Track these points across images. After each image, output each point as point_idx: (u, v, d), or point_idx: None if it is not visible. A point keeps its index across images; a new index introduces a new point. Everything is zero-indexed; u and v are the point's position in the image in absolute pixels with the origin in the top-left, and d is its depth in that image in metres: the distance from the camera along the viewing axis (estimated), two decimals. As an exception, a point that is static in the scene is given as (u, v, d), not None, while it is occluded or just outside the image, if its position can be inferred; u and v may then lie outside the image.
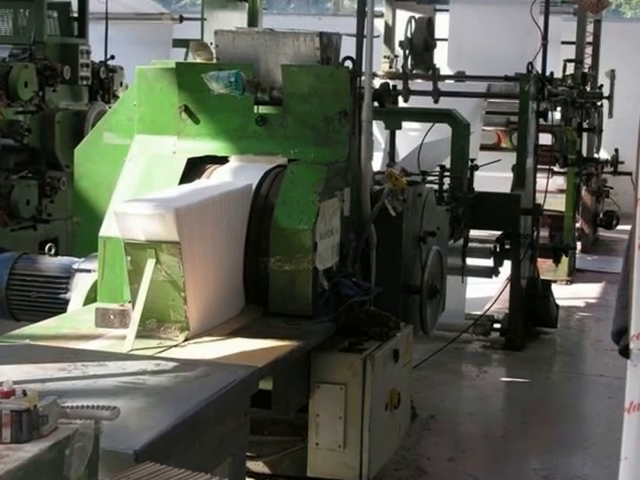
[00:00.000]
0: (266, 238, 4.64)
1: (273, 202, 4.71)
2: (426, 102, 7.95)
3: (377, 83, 6.46)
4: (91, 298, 4.71)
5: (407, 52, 9.45)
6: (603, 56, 13.23)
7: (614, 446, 2.60)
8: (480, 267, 7.66)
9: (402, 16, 10.70)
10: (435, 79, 8.23)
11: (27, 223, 7.67)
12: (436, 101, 8.03)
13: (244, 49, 5.17)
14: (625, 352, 2.50)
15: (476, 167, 7.05)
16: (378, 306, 4.92)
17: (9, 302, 5.02)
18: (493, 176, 7.73)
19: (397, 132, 7.48)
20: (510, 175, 7.89)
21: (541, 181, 8.41)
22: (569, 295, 9.64)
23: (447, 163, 6.74)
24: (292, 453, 4.82)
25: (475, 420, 6.37)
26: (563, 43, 11.57)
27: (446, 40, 10.24)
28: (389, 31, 11.11)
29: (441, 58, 9.95)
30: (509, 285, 7.84)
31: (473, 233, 7.38)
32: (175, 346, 4.10)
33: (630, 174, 11.73)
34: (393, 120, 6.98)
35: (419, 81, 8.92)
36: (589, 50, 12.75)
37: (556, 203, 10.01)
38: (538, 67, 8.08)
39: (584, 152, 11.36)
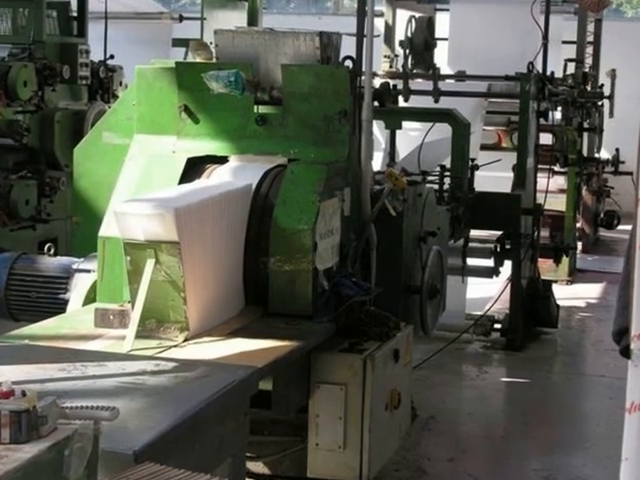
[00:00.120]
0: (266, 238, 4.63)
1: (273, 202, 4.70)
2: (426, 102, 7.94)
3: (377, 83, 6.45)
4: (90, 298, 4.70)
5: (407, 51, 9.45)
6: (604, 56, 13.23)
7: (615, 447, 2.59)
8: (480, 267, 7.65)
9: (402, 15, 10.70)
10: (435, 79, 8.23)
11: (26, 223, 7.66)
12: (436, 101, 8.03)
13: (244, 48, 5.16)
14: (626, 352, 2.50)
15: (476, 167, 7.04)
16: (378, 306, 4.91)
17: (8, 302, 5.01)
18: (493, 176, 7.72)
19: (397, 132, 7.48)
20: (511, 175, 7.88)
21: (542, 181, 8.40)
22: (570, 295, 9.63)
23: (447, 163, 6.74)
24: (292, 453, 4.81)
25: (475, 420, 6.36)
26: (564, 42, 11.58)
27: (446, 39, 10.23)
28: (389, 30, 11.11)
29: (441, 58, 9.94)
30: (509, 285, 7.84)
31: (473, 233, 7.38)
32: (175, 346, 4.10)
33: (631, 174, 11.76)
34: (393, 120, 6.97)
35: (419, 81, 8.91)
36: (590, 50, 12.75)
37: (557, 203, 10.00)
38: (539, 67, 8.07)
39: (585, 152, 11.35)
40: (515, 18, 9.37)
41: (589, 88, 11.27)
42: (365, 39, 5.15)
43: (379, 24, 10.54)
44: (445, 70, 9.35)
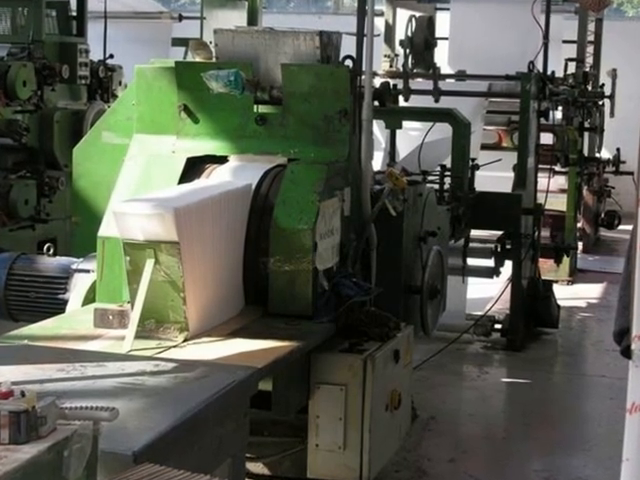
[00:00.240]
0: (266, 238, 4.62)
1: (273, 202, 4.69)
2: (427, 101, 7.93)
3: (377, 82, 6.44)
4: (90, 298, 4.70)
5: (408, 51, 9.43)
6: (604, 55, 13.22)
7: (616, 447, 2.59)
8: (481, 267, 7.65)
9: (402, 15, 10.69)
10: (436, 78, 8.21)
11: (25, 223, 7.65)
12: (437, 100, 8.02)
13: (244, 48, 5.15)
14: (627, 353, 2.50)
15: (477, 167, 7.03)
16: (378, 306, 4.90)
17: (7, 302, 5.00)
18: (494, 176, 7.71)
19: (397, 131, 7.47)
20: (511, 175, 7.87)
21: (542, 181, 8.39)
22: (570, 295, 9.62)
23: (448, 163, 6.73)
24: (292, 454, 4.80)
25: (476, 421, 6.35)
26: (564, 42, 11.57)
27: (447, 39, 10.21)
28: (389, 30, 11.10)
29: (442, 57, 9.92)
30: (510, 285, 7.83)
31: (474, 233, 7.37)
32: (174, 347, 4.09)
33: (632, 174, 11.75)
34: (393, 119, 6.96)
35: (420, 80, 8.90)
36: (590, 49, 12.74)
37: (557, 203, 10.00)
38: (539, 66, 8.06)
39: (585, 152, 11.34)
40: (516, 17, 9.36)
41: (590, 88, 11.26)
42: (365, 38, 5.14)
43: (379, 23, 10.54)
44: (445, 69, 9.34)
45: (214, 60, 5.23)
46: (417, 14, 9.98)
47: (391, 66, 10.19)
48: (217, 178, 4.88)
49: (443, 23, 10.69)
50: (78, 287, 4.80)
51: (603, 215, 12.07)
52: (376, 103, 5.31)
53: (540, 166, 8.40)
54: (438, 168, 6.61)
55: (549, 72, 8.27)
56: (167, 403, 3.33)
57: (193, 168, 4.96)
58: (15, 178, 7.68)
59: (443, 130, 6.95)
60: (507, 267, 7.73)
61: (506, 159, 8.03)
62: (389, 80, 6.49)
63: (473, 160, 7.00)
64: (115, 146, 5.19)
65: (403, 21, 10.02)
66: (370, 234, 5.11)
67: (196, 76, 4.91)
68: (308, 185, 4.67)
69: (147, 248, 4.09)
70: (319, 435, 4.42)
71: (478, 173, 7.08)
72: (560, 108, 9.60)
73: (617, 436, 2.62)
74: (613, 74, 12.75)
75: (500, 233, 7.65)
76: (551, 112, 8.42)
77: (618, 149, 12.22)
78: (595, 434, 6.19)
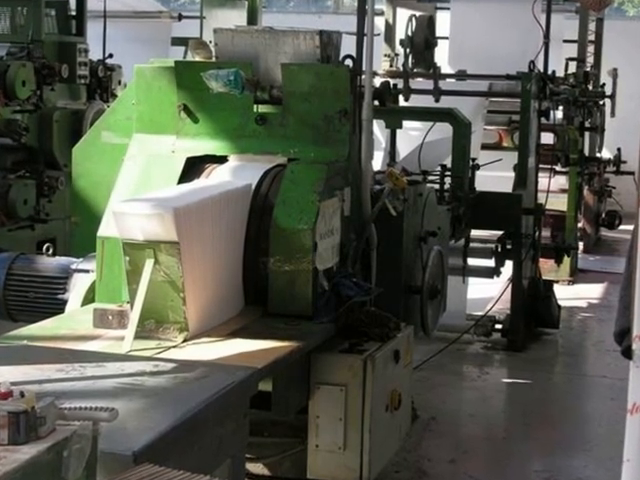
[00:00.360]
0: (266, 238, 4.61)
1: (273, 202, 4.68)
2: (427, 101, 7.92)
3: (378, 82, 6.43)
4: (89, 298, 4.69)
5: (408, 50, 9.43)
6: (605, 54, 13.22)
7: (616, 448, 2.59)
8: (481, 267, 7.64)
9: (403, 14, 10.69)
10: (436, 78, 8.20)
11: (25, 223, 7.64)
12: (437, 100, 8.00)
13: (243, 47, 5.14)
14: (628, 353, 2.49)
15: (477, 166, 7.02)
16: (379, 307, 4.89)
17: (7, 303, 4.99)
18: (494, 175, 7.71)
19: (398, 131, 7.46)
20: (512, 175, 7.87)
21: (543, 181, 8.39)
22: (571, 295, 9.61)
23: (448, 162, 6.72)
24: (292, 455, 4.79)
25: (476, 421, 6.34)
26: (565, 41, 11.57)
27: (447, 38, 10.21)
28: (390, 29, 11.10)
29: (442, 57, 9.92)
30: (510, 285, 7.82)
31: (474, 233, 7.36)
32: (174, 347, 4.08)
33: (633, 173, 11.75)
34: (394, 119, 6.96)
35: (420, 80, 8.89)
36: (591, 49, 12.74)
37: (558, 203, 9.99)
38: (540, 66, 8.05)
39: (586, 151, 11.33)
40: (516, 17, 9.35)
41: (590, 87, 11.26)
42: (365, 38, 5.13)
43: (379, 23, 10.54)
44: (446, 69, 9.33)
45: (214, 60, 5.22)
46: (417, 13, 9.98)
47: (391, 66, 10.19)
48: (217, 178, 4.87)
49: (443, 22, 10.69)
50: (77, 287, 4.79)
51: (604, 215, 12.07)
52: (376, 103, 5.30)
53: (541, 166, 8.40)
54: (438, 168, 6.60)
55: (550, 72, 8.27)
56: (167, 403, 3.32)
57: (193, 168, 4.95)
58: (14, 178, 7.67)
59: (443, 130, 6.94)
60: (507, 267, 7.73)
61: (507, 159, 8.03)
62: (389, 80, 6.48)
63: (473, 160, 6.99)
64: (115, 146, 5.18)
65: (403, 20, 10.01)
66: (370, 234, 5.10)
67: (196, 76, 4.90)
68: (308, 185, 4.66)
69: (147, 248, 4.08)
70: (319, 435, 4.41)
71: (478, 173, 7.07)
72: (561, 108, 9.58)
73: (618, 437, 2.61)
74: (614, 74, 12.74)
75: (501, 233, 7.64)
76: (552, 112, 8.41)
77: (619, 149, 12.21)
78: (596, 435, 6.19)
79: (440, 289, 5.85)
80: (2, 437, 2.28)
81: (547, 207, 8.38)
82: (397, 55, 10.29)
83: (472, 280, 7.78)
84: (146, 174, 4.87)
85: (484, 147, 8.42)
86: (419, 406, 6.11)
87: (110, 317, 4.28)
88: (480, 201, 7.01)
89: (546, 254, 8.82)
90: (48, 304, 4.86)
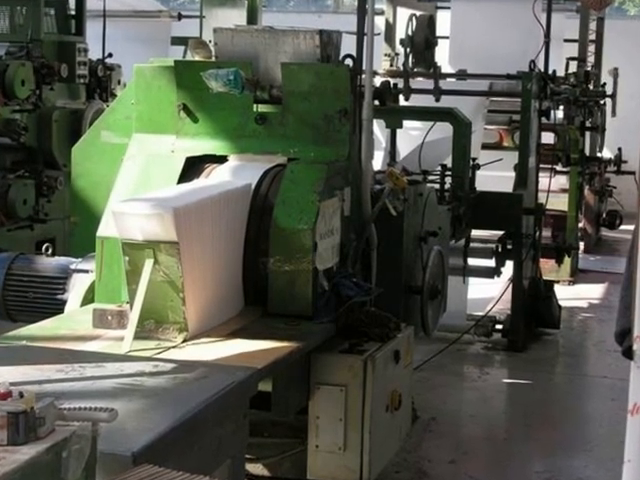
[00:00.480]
0: (265, 238, 4.60)
1: (273, 202, 4.67)
2: (427, 101, 7.91)
3: (378, 81, 6.42)
4: (88, 299, 4.68)
5: (408, 50, 9.41)
6: (606, 54, 13.21)
7: (617, 448, 2.58)
8: (482, 267, 7.63)
9: (403, 14, 10.69)
10: (436, 77, 8.19)
11: (24, 223, 7.64)
12: (437, 100, 7.99)
13: (243, 47, 5.13)
14: (628, 353, 2.48)
15: (478, 166, 7.02)
16: (379, 307, 4.88)
17: (6, 303, 4.99)
18: (495, 175, 7.70)
19: (398, 131, 7.45)
20: (512, 174, 7.86)
21: (543, 180, 8.38)
22: (572, 296, 9.60)
23: (448, 162, 6.71)
24: (292, 455, 4.79)
25: (477, 422, 6.33)
26: (566, 41, 11.58)
27: (447, 38, 10.20)
28: (390, 29, 11.09)
29: (442, 56, 9.91)
30: (511, 286, 7.81)
31: (475, 233, 7.35)
32: (173, 347, 4.07)
33: (633, 173, 11.74)
34: (394, 119, 6.95)
35: (420, 79, 8.88)
36: (592, 48, 12.73)
37: (558, 203, 9.99)
38: (540, 65, 8.05)
39: (587, 151, 11.33)
40: (517, 16, 9.35)
41: (591, 87, 11.26)
42: (365, 37, 5.12)
43: (379, 22, 10.53)
44: (446, 69, 9.32)
45: (213, 59, 5.21)
46: (418, 13, 9.97)
47: (391, 65, 10.18)
48: (216, 178, 4.86)
49: (444, 22, 10.68)
50: (77, 287, 4.78)
51: (604, 215, 12.06)
52: (376, 102, 5.29)
53: (541, 166, 8.40)
54: (439, 168, 6.60)
55: (550, 71, 8.26)
56: (166, 404, 3.31)
57: (192, 168, 4.94)
58: (13, 178, 7.66)
59: (444, 129, 6.93)
60: (508, 267, 7.72)
61: (507, 159, 8.02)
62: (389, 79, 6.49)
63: (474, 160, 6.98)
64: (114, 145, 5.17)
65: (403, 20, 10.00)
66: (370, 234, 5.09)
67: (195, 75, 4.89)
68: (308, 185, 4.65)
69: (146, 248, 4.07)
70: (319, 436, 4.40)
71: (479, 173, 7.07)
72: (561, 107, 9.58)
73: (618, 437, 2.61)
74: (615, 73, 12.73)
75: (501, 233, 7.63)
76: (552, 111, 8.40)
77: (620, 148, 12.21)
78: (596, 435, 6.18)
79: (440, 289, 5.84)
80: (1, 438, 2.28)
81: (548, 207, 8.38)
82: (397, 55, 10.28)
83: (472, 280, 7.77)
84: (146, 174, 4.86)
85: (484, 147, 8.41)
86: (419, 406, 6.10)
87: (109, 317, 4.27)
88: (480, 201, 7.00)
89: (547, 254, 8.81)
90: (47, 304, 4.85)
